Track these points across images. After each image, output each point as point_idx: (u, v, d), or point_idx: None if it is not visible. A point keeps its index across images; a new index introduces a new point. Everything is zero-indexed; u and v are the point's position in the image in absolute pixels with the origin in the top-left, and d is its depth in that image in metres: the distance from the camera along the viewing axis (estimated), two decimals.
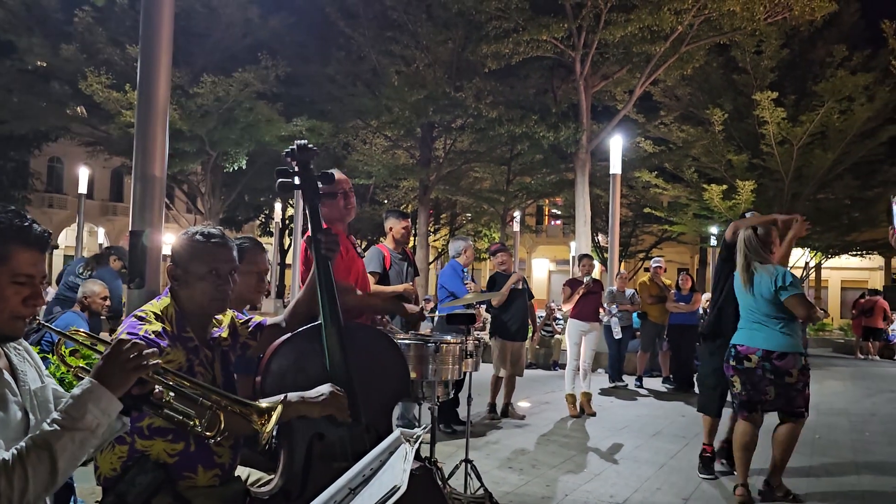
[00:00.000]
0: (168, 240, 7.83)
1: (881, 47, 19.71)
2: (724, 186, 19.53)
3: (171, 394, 1.82)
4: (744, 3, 14.38)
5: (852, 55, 20.47)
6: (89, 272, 7.27)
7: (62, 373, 3.72)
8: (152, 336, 2.12)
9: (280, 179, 2.64)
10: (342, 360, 2.44)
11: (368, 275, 5.03)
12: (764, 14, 15.00)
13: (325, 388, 2.29)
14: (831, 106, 18.85)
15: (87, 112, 21.17)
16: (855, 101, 18.90)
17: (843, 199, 22.61)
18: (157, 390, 1.78)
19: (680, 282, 10.31)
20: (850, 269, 33.31)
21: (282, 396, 2.03)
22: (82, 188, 18.35)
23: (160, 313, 2.25)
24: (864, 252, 26.28)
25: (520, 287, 7.33)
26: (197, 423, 1.82)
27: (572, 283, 8.09)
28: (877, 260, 31.46)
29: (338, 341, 2.45)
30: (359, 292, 3.67)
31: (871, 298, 18.20)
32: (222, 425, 1.84)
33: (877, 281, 34.09)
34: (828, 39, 21.45)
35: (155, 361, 1.71)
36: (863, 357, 17.54)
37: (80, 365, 1.87)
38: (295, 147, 2.62)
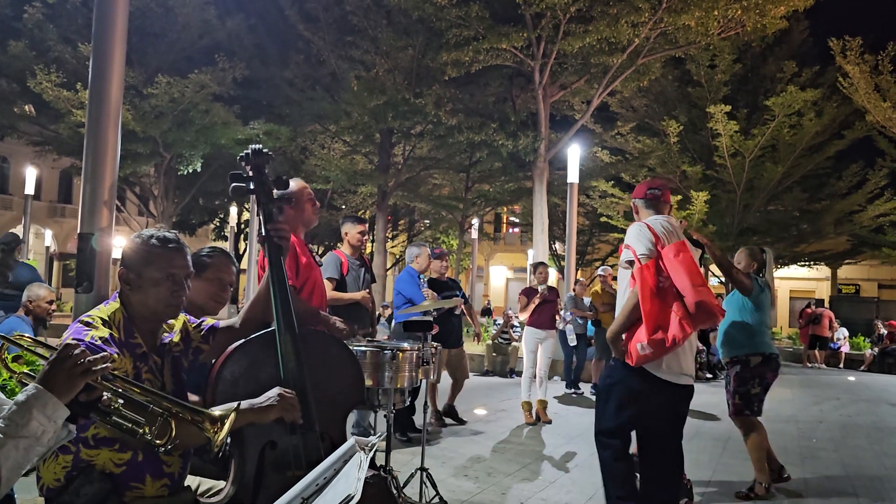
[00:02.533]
0: (118, 243, 7.57)
1: (829, 64, 20.36)
2: (679, 197, 19.89)
3: (120, 400, 1.77)
4: (698, 18, 14.68)
5: (801, 71, 21.14)
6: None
7: (4, 379, 3.60)
8: (99, 342, 2.04)
9: (234, 183, 2.61)
10: (297, 367, 2.39)
11: (325, 281, 5.00)
12: (717, 29, 15.34)
13: (272, 392, 2.24)
14: (781, 120, 19.42)
15: (35, 111, 20.63)
16: (804, 115, 19.49)
17: (792, 211, 23.26)
18: (104, 397, 1.72)
19: None
20: (799, 279, 34.25)
21: (235, 404, 1.98)
22: (29, 189, 17.83)
23: (107, 318, 2.17)
24: (811, 263, 27.08)
25: (457, 312, 7.25)
26: (147, 431, 1.77)
27: (528, 292, 8.12)
28: (823, 270, 32.45)
29: (292, 348, 2.41)
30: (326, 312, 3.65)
31: (818, 308, 18.68)
32: (174, 433, 1.79)
33: (823, 291, 35.09)
34: (778, 55, 22.11)
35: (104, 366, 1.65)
36: (810, 365, 17.96)
37: (24, 371, 1.81)
38: (249, 151, 2.60)
